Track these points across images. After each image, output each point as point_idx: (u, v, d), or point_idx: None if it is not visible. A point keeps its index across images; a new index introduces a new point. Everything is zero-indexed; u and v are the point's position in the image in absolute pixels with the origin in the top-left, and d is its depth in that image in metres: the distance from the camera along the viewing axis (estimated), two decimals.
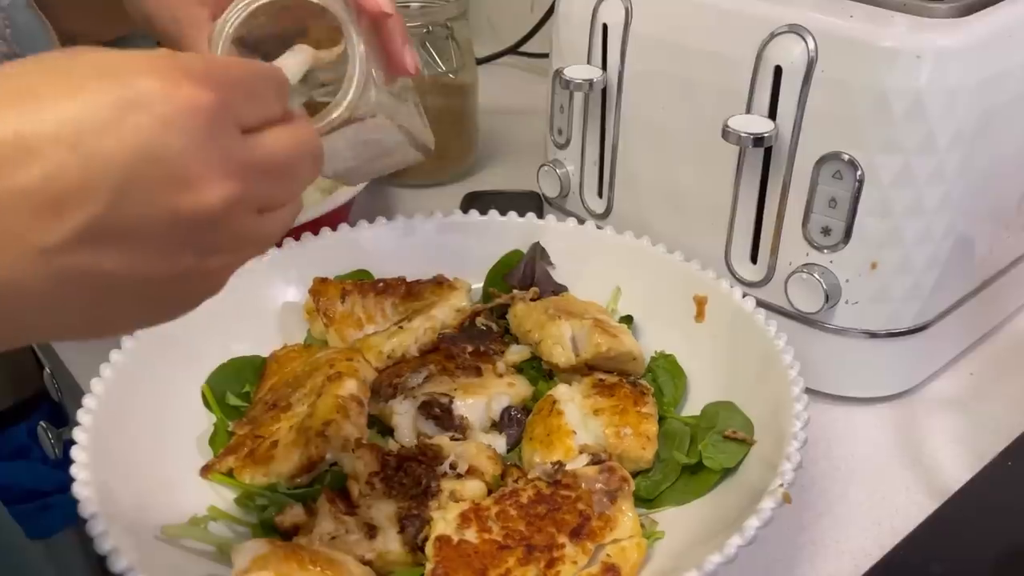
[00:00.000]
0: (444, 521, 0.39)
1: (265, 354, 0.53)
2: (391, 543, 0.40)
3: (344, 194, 0.64)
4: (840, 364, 0.51)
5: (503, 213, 0.60)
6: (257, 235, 0.30)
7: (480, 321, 0.53)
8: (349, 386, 0.47)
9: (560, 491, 0.40)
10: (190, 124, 0.26)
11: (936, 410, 0.52)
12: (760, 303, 0.50)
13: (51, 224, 0.24)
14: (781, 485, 0.37)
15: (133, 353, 0.47)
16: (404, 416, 0.46)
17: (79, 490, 0.38)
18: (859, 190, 0.46)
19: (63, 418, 0.69)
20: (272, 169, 0.29)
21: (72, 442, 0.66)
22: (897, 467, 0.49)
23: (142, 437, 0.44)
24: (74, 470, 0.39)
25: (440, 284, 0.56)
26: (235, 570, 0.36)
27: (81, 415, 0.42)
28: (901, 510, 0.46)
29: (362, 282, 0.55)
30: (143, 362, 0.47)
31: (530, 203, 0.71)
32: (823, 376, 0.51)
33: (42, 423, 0.66)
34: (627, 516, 0.39)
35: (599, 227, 0.58)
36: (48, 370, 0.69)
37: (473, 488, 0.41)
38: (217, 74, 0.27)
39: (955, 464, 0.49)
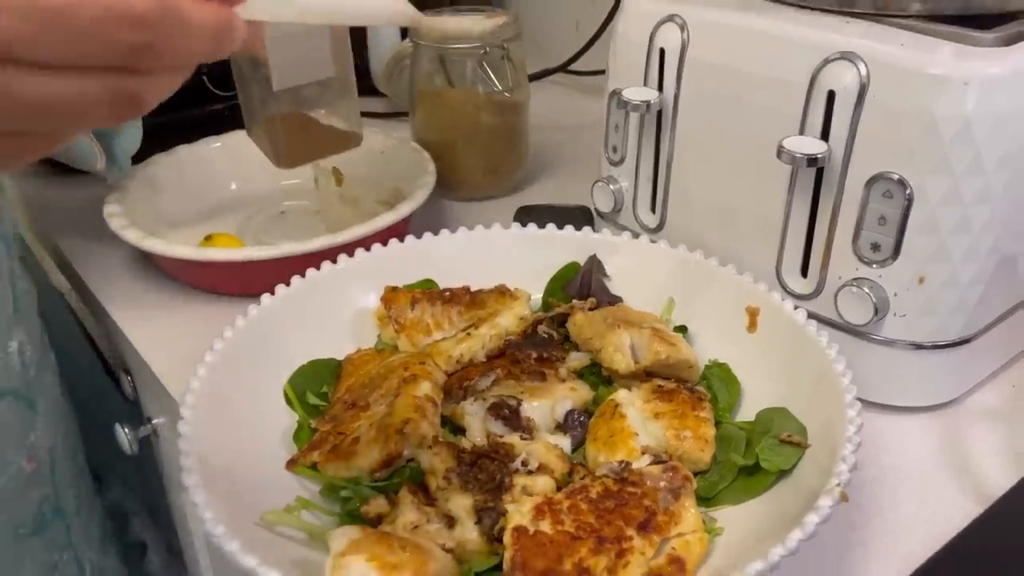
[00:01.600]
0: (520, 513, 0.41)
1: (340, 357, 0.56)
2: (469, 533, 0.43)
3: (406, 206, 0.68)
4: (887, 374, 0.54)
5: (559, 227, 0.63)
6: (27, 95, 0.26)
7: (542, 329, 0.56)
8: (424, 387, 0.50)
9: (626, 488, 0.43)
10: None
11: (979, 420, 0.55)
12: (810, 315, 0.52)
13: None
14: (838, 484, 0.40)
15: (222, 354, 0.50)
16: (475, 416, 0.49)
17: (187, 480, 0.41)
18: (908, 209, 0.49)
19: (139, 418, 0.73)
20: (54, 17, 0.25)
21: (148, 439, 0.70)
22: (943, 475, 0.51)
23: (234, 433, 0.48)
24: (182, 460, 0.42)
25: (503, 293, 0.59)
26: (332, 553, 0.39)
27: (184, 411, 0.45)
28: (947, 515, 0.48)
29: (430, 291, 0.59)
30: (231, 364, 0.51)
31: (580, 216, 0.75)
32: (871, 386, 0.54)
33: (118, 423, 0.70)
34: (690, 512, 0.42)
35: (653, 240, 0.61)
36: (127, 376, 0.73)
37: (544, 484, 0.44)
38: None
39: (998, 472, 0.51)
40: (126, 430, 0.69)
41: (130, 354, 0.67)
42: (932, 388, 0.55)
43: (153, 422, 0.70)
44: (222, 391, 0.49)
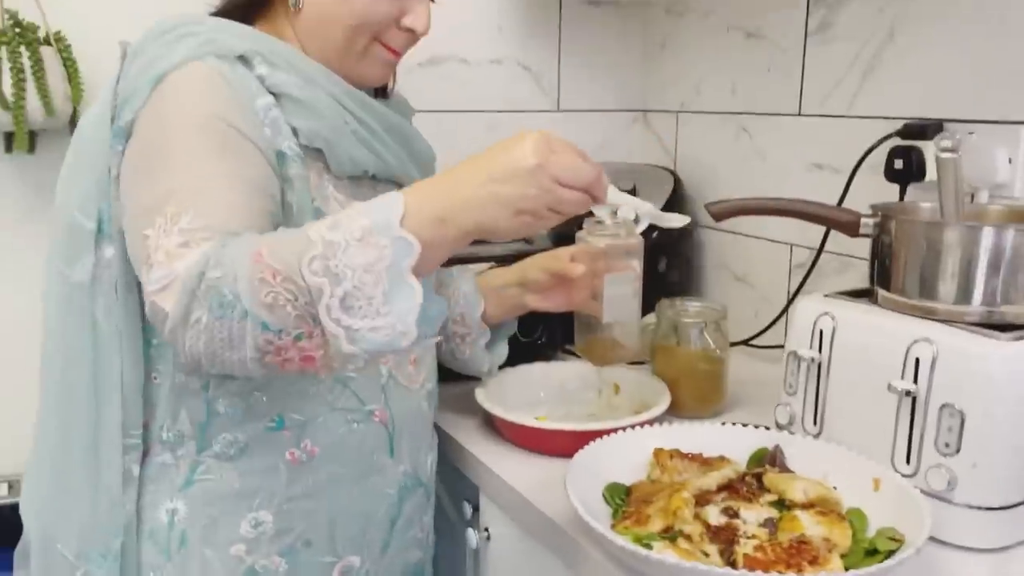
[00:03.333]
0: (748, 548, 0.81)
1: (626, 483, 0.98)
2: (716, 559, 0.82)
3: (655, 411, 1.13)
4: (958, 524, 0.90)
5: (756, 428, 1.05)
6: (559, 195, 0.76)
7: (747, 479, 0.97)
8: (684, 496, 0.91)
9: (803, 545, 0.81)
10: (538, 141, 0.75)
11: (1022, 560, 0.89)
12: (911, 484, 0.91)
13: (488, 179, 0.75)
14: (916, 550, 0.77)
15: (572, 472, 0.94)
16: (712, 514, 0.90)
17: (577, 507, 0.83)
18: (963, 424, 0.89)
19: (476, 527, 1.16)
20: (566, 167, 0.76)
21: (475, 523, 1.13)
22: None
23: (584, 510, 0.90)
24: (575, 502, 0.85)
25: (722, 459, 1.00)
26: (655, 548, 0.80)
27: (570, 491, 0.89)
28: None
29: (680, 452, 1.01)
30: (576, 478, 0.94)
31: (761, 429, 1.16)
32: (946, 530, 0.90)
33: (470, 528, 1.14)
34: (837, 559, 0.80)
35: (814, 439, 1.02)
36: (467, 503, 1.18)
37: (756, 543, 0.84)
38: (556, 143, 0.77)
39: None
40: (475, 534, 1.12)
41: (486, 480, 1.11)
42: (987, 536, 0.90)
43: (489, 529, 1.13)
44: (574, 492, 0.92)
